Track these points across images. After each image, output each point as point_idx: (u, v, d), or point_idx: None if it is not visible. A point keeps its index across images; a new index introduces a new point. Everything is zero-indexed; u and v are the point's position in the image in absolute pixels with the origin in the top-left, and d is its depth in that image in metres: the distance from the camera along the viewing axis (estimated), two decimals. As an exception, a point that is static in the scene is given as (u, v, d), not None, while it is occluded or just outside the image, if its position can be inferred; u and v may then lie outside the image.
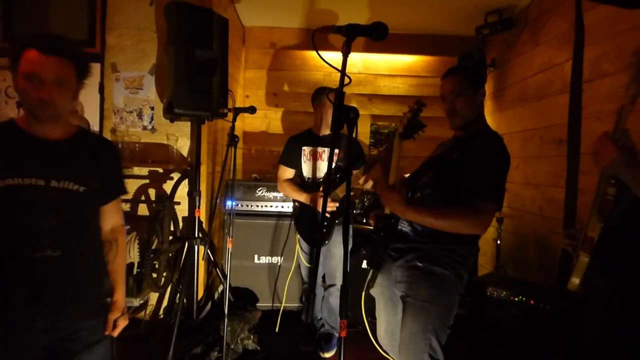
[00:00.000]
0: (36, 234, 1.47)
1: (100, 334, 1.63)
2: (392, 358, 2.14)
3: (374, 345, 2.32)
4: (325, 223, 2.99)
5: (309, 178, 3.18)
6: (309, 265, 3.26)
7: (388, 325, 2.11)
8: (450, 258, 1.87)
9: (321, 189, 3.03)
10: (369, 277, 2.15)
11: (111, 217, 1.73)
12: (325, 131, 3.16)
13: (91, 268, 1.64)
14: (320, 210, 2.96)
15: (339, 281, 3.09)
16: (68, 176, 1.51)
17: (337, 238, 3.06)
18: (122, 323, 1.70)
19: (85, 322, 1.57)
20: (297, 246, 3.31)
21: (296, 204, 3.24)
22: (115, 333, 1.68)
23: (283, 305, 3.50)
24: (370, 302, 2.26)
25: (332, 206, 2.96)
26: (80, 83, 1.56)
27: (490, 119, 4.19)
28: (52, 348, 1.53)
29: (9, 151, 1.49)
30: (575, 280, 1.45)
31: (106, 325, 1.65)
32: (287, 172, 3.22)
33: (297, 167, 3.20)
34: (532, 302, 2.47)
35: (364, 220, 3.72)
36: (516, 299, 2.53)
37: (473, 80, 1.97)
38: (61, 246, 1.50)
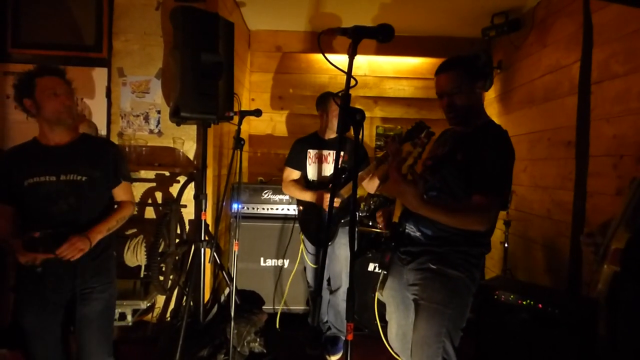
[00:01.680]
0: (52, 216, 1.93)
1: (105, 288, 2.07)
2: None
3: (381, 348, 2.31)
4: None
5: (313, 180, 3.18)
6: (313, 266, 3.25)
7: (399, 328, 2.09)
8: (464, 260, 1.85)
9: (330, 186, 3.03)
10: (381, 278, 2.13)
11: (119, 197, 2.20)
12: (331, 135, 3.16)
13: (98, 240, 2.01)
14: (326, 207, 2.96)
15: (344, 284, 3.08)
16: (72, 170, 1.98)
17: (341, 240, 3.06)
18: (79, 246, 1.88)
19: (94, 280, 2.02)
20: (302, 247, 3.31)
21: (300, 207, 3.24)
22: (67, 252, 1.84)
23: (284, 306, 3.50)
24: (379, 305, 2.25)
25: (336, 201, 2.95)
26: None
27: (497, 121, 4.14)
28: (68, 303, 1.99)
29: (30, 159, 1.99)
30: (602, 288, 1.44)
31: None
32: (293, 174, 3.23)
33: (302, 169, 3.21)
34: (540, 305, 2.45)
35: (370, 223, 3.71)
36: (524, 303, 2.51)
37: (470, 73, 1.89)
38: (70, 224, 1.93)
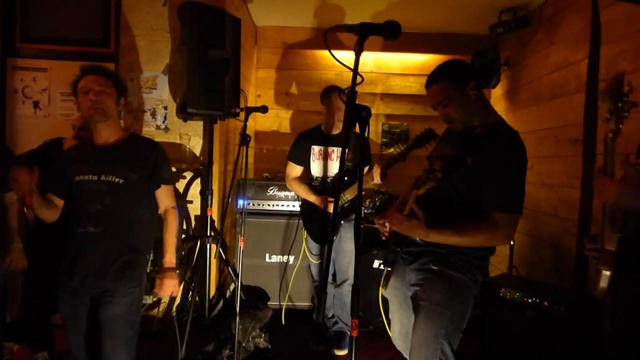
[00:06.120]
0: (86, 215, 1.98)
1: (128, 292, 2.00)
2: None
3: (385, 344, 2.32)
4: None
5: (317, 177, 3.18)
6: (316, 262, 3.26)
7: (402, 327, 2.09)
8: (466, 262, 1.83)
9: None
10: (384, 274, 2.13)
11: (162, 201, 2.19)
12: (336, 130, 3.15)
13: (126, 242, 2.03)
14: (329, 211, 2.97)
15: (351, 277, 3.08)
16: (112, 171, 2.00)
17: (348, 234, 3.06)
18: (169, 283, 2.08)
19: (118, 283, 1.98)
20: (304, 243, 3.32)
21: (303, 204, 3.24)
22: (162, 293, 2.08)
23: (290, 302, 3.51)
24: (384, 302, 2.25)
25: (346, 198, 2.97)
26: (121, 97, 2.09)
27: (504, 118, 4.14)
28: (94, 299, 2.00)
29: (82, 157, 2.07)
30: (603, 287, 1.44)
31: (155, 285, 2.09)
32: (296, 170, 3.23)
33: (306, 165, 3.21)
34: (545, 303, 2.44)
35: (375, 220, 3.71)
36: (529, 301, 2.50)
37: (455, 81, 1.84)
38: (101, 225, 1.97)
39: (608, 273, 1.44)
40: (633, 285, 1.45)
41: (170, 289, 2.09)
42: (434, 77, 1.88)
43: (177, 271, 2.13)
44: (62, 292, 2.02)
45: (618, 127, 1.27)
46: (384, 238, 2.07)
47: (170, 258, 2.13)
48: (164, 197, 2.19)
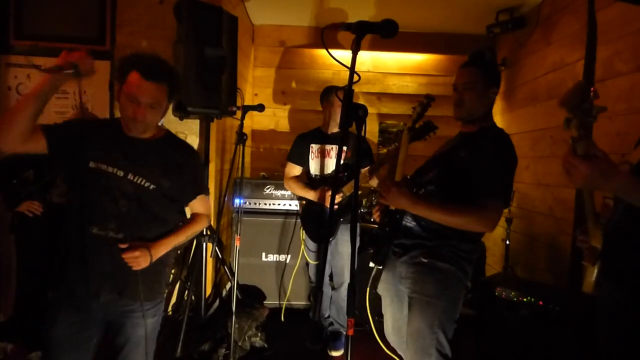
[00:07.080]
0: (105, 215, 1.66)
1: (155, 312, 1.80)
2: (398, 357, 2.14)
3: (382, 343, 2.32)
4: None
5: (316, 175, 3.18)
6: (314, 263, 3.26)
7: (395, 322, 2.11)
8: (454, 253, 1.89)
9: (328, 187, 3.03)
10: (373, 274, 2.15)
11: (195, 209, 1.98)
12: (334, 129, 3.16)
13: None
14: (327, 205, 2.96)
15: (347, 280, 3.08)
16: (143, 173, 1.72)
17: (344, 237, 3.06)
18: (139, 255, 1.64)
19: (137, 300, 1.72)
20: (302, 244, 3.32)
21: (303, 201, 3.24)
22: (127, 255, 1.64)
23: (286, 301, 3.52)
24: (376, 300, 2.26)
25: (338, 197, 2.96)
26: (170, 103, 1.80)
27: (500, 118, 4.17)
28: (111, 320, 1.76)
29: (106, 141, 1.72)
30: (590, 282, 1.45)
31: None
32: (295, 170, 3.23)
33: (305, 164, 3.21)
34: (541, 303, 2.45)
35: (372, 219, 3.71)
36: (525, 300, 2.51)
37: (488, 76, 1.96)
38: (124, 231, 1.67)
39: (592, 270, 1.45)
40: (616, 284, 1.47)
41: (138, 264, 1.66)
42: (475, 61, 2.02)
43: (154, 260, 1.72)
44: (62, 306, 1.69)
45: (582, 133, 1.25)
46: (379, 220, 2.11)
47: (163, 245, 1.75)
48: (199, 206, 1.97)
